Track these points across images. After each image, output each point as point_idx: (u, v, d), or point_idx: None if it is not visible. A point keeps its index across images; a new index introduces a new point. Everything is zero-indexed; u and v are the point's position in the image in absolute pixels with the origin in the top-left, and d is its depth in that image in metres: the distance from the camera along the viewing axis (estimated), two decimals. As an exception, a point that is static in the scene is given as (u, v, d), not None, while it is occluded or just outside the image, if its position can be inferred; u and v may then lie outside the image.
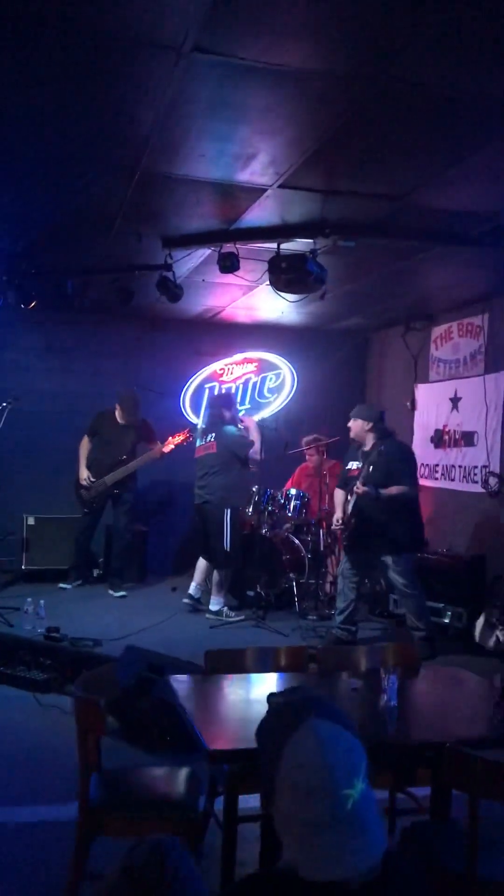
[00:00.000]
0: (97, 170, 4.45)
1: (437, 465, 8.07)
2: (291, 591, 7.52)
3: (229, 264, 5.48)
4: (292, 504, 7.84)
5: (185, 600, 7.30)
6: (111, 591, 7.85)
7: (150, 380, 8.91)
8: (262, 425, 8.07)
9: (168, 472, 8.87)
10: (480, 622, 6.19)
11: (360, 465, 6.21)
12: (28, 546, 8.30)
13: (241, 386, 9.45)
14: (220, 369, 9.41)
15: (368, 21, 2.83)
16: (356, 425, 6.28)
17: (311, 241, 5.34)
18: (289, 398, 9.45)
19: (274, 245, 5.50)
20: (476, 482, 7.34)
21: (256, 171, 4.34)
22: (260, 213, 5.09)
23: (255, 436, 7.43)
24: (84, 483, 7.89)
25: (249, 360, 9.46)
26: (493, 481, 7.04)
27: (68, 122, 3.86)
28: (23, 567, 8.27)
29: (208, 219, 5.30)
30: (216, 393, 8.90)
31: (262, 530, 7.61)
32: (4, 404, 6.92)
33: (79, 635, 6.00)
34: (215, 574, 7.26)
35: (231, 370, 9.46)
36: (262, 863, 2.65)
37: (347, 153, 4.08)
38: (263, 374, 9.49)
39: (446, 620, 6.73)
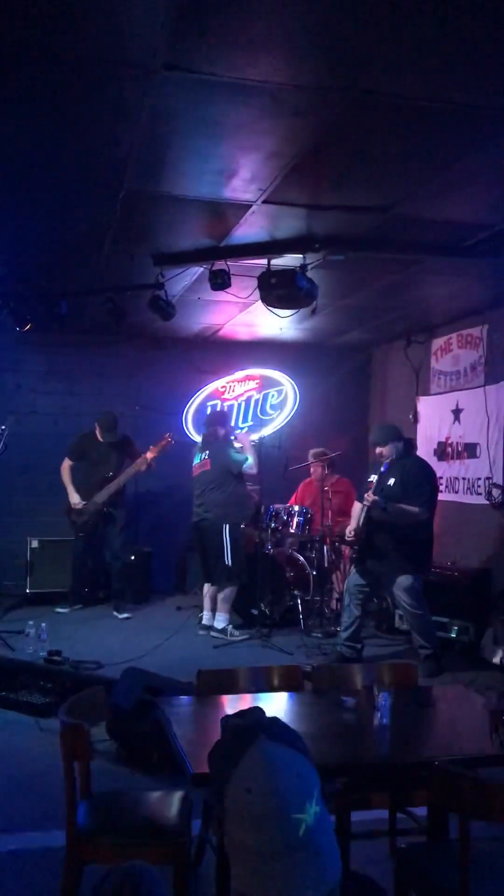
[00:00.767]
0: (83, 191, 4.46)
1: (440, 478, 7.99)
2: (296, 609, 7.45)
3: (220, 281, 5.48)
4: (296, 520, 7.79)
5: (201, 632, 7.23)
6: (115, 613, 7.81)
7: (152, 399, 8.93)
8: (262, 442, 8.04)
9: (169, 491, 8.85)
10: (488, 637, 6.11)
11: (377, 477, 6.19)
12: (32, 569, 8.28)
13: (243, 403, 9.44)
14: (222, 387, 9.41)
15: (336, 33, 2.82)
16: (388, 450, 6.23)
17: (301, 256, 5.33)
18: (291, 414, 9.41)
19: (264, 261, 5.49)
20: (480, 494, 7.27)
21: (239, 188, 4.34)
22: (248, 230, 5.09)
23: (248, 452, 7.38)
24: (77, 507, 7.86)
25: (251, 378, 9.45)
26: (496, 492, 6.97)
27: (51, 146, 3.88)
28: (27, 590, 8.25)
29: (197, 236, 5.30)
30: (212, 411, 8.89)
31: (265, 548, 7.56)
32: (3, 427, 6.92)
33: (82, 658, 5.96)
34: (219, 591, 7.20)
35: (233, 388, 9.44)
36: (219, 893, 2.59)
37: (328, 166, 4.07)
38: (265, 391, 9.46)
39: (452, 635, 6.64)
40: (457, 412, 7.76)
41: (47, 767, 4.29)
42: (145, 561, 8.64)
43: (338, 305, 7.14)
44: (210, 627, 7.22)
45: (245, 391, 9.45)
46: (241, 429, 8.93)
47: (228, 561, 7.09)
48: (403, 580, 6.04)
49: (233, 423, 8.00)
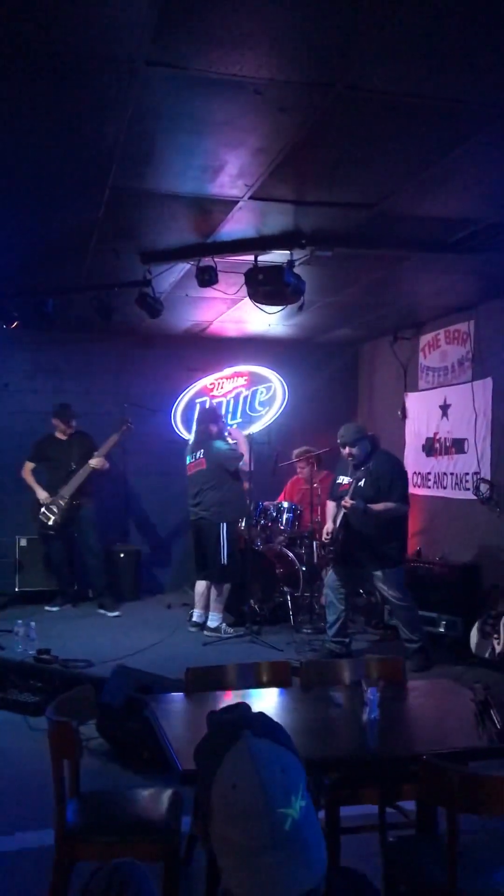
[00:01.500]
0: (67, 188, 4.44)
1: (428, 474, 8.03)
2: (286, 605, 7.46)
3: (207, 278, 5.47)
4: (285, 517, 7.80)
5: (191, 629, 7.24)
6: (104, 611, 7.80)
7: (141, 396, 8.91)
8: (252, 439, 8.04)
9: (159, 489, 8.85)
10: (475, 631, 6.13)
11: (350, 480, 6.17)
12: (21, 568, 8.27)
13: (231, 400, 9.44)
14: (211, 384, 9.40)
15: (321, 29, 2.81)
16: (345, 451, 6.22)
17: (288, 252, 5.32)
18: (280, 411, 9.42)
19: (252, 257, 5.49)
20: (468, 489, 7.29)
21: (226, 184, 4.33)
22: (235, 226, 5.08)
23: (243, 448, 7.39)
24: (44, 502, 7.85)
25: (240, 374, 9.45)
26: (484, 488, 7.00)
27: (34, 142, 3.84)
28: (16, 589, 8.23)
29: (184, 233, 5.29)
30: (202, 408, 8.88)
31: (255, 544, 7.56)
32: None
33: (72, 656, 5.95)
34: (213, 589, 7.20)
35: (221, 384, 9.44)
36: (209, 889, 2.59)
37: (314, 162, 4.07)
38: (254, 388, 9.46)
39: (441, 630, 6.66)
40: (445, 408, 7.78)
41: (37, 766, 4.26)
42: (135, 559, 8.63)
43: (325, 302, 7.15)
44: (201, 625, 7.22)
45: (234, 388, 9.45)
46: (231, 424, 8.92)
47: (225, 560, 7.09)
48: (387, 574, 6.07)
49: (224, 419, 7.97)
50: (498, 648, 5.89)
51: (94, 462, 7.85)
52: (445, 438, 7.77)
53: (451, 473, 7.63)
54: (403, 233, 5.18)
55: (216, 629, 7.09)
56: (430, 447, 8.01)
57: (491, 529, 6.91)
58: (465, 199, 4.59)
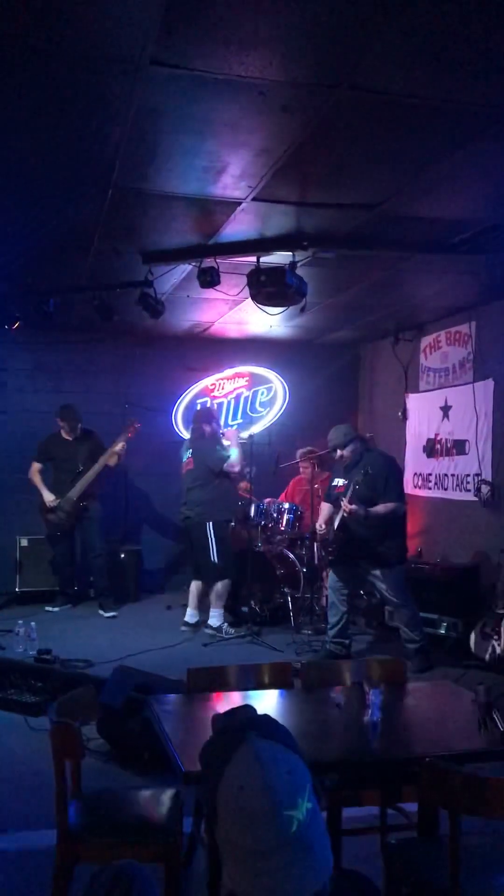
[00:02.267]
0: (70, 188, 4.44)
1: (429, 475, 8.03)
2: (287, 606, 7.45)
3: (209, 279, 5.47)
4: (285, 518, 7.79)
5: (183, 628, 7.22)
6: (102, 612, 7.80)
7: (142, 397, 8.91)
8: (253, 440, 8.04)
9: (158, 489, 8.85)
10: (476, 633, 6.13)
11: (345, 482, 6.16)
12: (21, 568, 8.26)
13: (232, 401, 9.44)
14: (212, 384, 9.40)
15: (325, 30, 2.81)
16: (348, 452, 6.20)
17: (290, 253, 5.32)
18: (281, 412, 9.42)
19: (254, 259, 5.49)
20: (469, 490, 7.29)
21: (228, 185, 4.33)
22: (237, 227, 5.08)
23: (235, 448, 7.34)
24: (51, 505, 7.84)
25: (240, 375, 9.45)
26: (485, 489, 6.99)
27: (38, 142, 3.84)
28: (17, 589, 8.22)
29: (186, 234, 5.29)
30: (197, 409, 8.89)
31: (255, 545, 7.56)
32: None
33: (71, 657, 5.95)
34: (213, 589, 7.20)
35: (222, 385, 9.44)
36: (210, 891, 2.58)
37: (317, 163, 4.07)
38: (255, 389, 9.47)
39: (441, 631, 6.66)
40: (446, 409, 7.78)
41: (37, 766, 4.28)
42: (135, 559, 8.63)
43: (327, 303, 7.15)
44: (193, 625, 7.22)
45: (235, 388, 9.45)
46: (231, 425, 8.92)
47: (215, 558, 7.09)
48: (388, 575, 6.06)
49: (222, 420, 7.92)
50: (498, 650, 5.89)
51: (111, 461, 7.79)
52: (446, 440, 7.76)
53: (452, 475, 7.63)
54: (405, 234, 5.18)
55: (218, 628, 7.08)
56: (431, 448, 8.01)
57: (491, 531, 6.91)
58: (468, 201, 4.59)
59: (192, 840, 3.27)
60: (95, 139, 3.74)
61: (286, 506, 7.85)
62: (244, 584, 7.29)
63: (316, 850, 1.27)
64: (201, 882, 2.92)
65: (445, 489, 7.74)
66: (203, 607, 7.31)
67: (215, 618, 7.14)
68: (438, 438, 7.90)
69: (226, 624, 7.15)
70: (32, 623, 6.32)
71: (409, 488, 8.06)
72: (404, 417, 8.48)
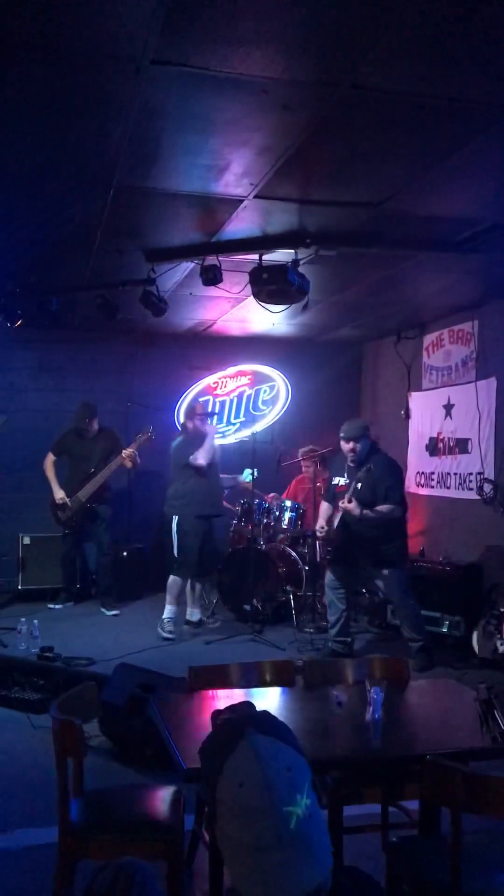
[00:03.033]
0: (73, 187, 4.44)
1: (432, 473, 8.02)
2: (289, 604, 7.46)
3: (212, 276, 5.47)
4: (287, 516, 7.80)
5: (185, 626, 7.25)
6: (104, 610, 7.81)
7: (144, 395, 8.92)
8: (255, 438, 8.04)
9: (161, 487, 8.82)
10: (478, 631, 6.13)
11: (347, 481, 6.16)
12: (24, 565, 8.27)
13: (235, 399, 9.43)
14: (214, 383, 9.40)
15: (327, 28, 2.81)
16: (347, 446, 6.22)
17: (292, 251, 5.32)
18: (283, 410, 9.42)
19: (256, 257, 5.48)
20: (471, 489, 7.28)
21: (231, 183, 4.33)
22: (239, 225, 5.08)
23: (206, 443, 7.17)
24: (60, 502, 7.84)
25: (243, 373, 9.45)
26: (487, 488, 6.99)
27: (40, 141, 3.85)
28: (19, 587, 8.24)
29: (189, 232, 5.29)
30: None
31: (258, 543, 7.57)
32: (5, 416, 6.90)
33: (74, 655, 5.96)
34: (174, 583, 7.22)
35: (225, 383, 9.44)
36: (212, 888, 2.59)
37: (319, 161, 4.06)
38: (257, 387, 9.46)
39: (444, 630, 6.66)
40: (448, 407, 7.77)
41: (40, 764, 4.28)
42: (138, 557, 8.63)
43: (329, 301, 7.14)
44: (196, 623, 7.25)
45: (237, 387, 9.45)
46: (210, 420, 8.83)
47: (175, 552, 7.13)
48: (390, 574, 6.07)
49: (205, 414, 7.73)
50: (501, 648, 5.89)
51: (125, 464, 7.76)
52: (449, 438, 7.76)
53: (455, 473, 7.62)
54: (408, 232, 5.17)
55: (199, 623, 7.22)
56: (434, 447, 8.00)
57: (494, 529, 6.91)
58: (470, 199, 4.59)
59: (193, 837, 3.28)
60: (97, 138, 3.74)
61: (288, 504, 7.85)
62: (246, 582, 7.30)
63: (315, 846, 1.27)
64: (204, 879, 2.92)
65: (448, 488, 7.73)
66: (204, 603, 7.35)
67: (193, 614, 7.27)
68: (441, 437, 7.89)
69: (203, 617, 7.28)
70: (35, 621, 6.33)
71: (411, 487, 8.06)
72: (407, 416, 8.48)
